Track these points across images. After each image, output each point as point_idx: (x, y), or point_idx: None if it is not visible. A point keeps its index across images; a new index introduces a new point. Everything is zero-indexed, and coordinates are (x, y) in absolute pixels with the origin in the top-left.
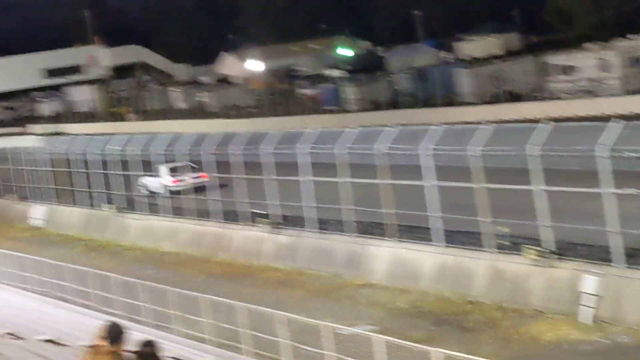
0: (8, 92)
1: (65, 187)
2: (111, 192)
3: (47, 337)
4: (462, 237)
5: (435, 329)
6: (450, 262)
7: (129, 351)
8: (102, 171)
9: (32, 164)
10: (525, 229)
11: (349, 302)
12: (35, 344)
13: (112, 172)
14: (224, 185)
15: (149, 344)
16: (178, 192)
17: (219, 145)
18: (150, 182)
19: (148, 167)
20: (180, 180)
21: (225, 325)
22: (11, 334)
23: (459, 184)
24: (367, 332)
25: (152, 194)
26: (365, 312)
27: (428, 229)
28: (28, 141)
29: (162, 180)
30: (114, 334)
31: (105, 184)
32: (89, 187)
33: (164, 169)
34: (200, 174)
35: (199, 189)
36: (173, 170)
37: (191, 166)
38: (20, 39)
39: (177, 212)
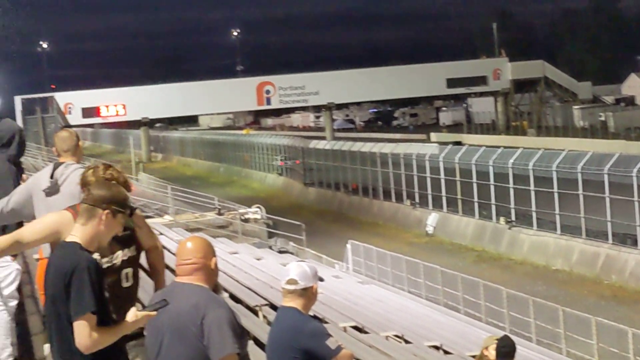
0: (412, 99)
1: (459, 197)
2: (504, 205)
3: (434, 344)
4: None
5: None
6: None
7: None
8: (496, 183)
9: (433, 171)
10: None
11: None
12: (422, 349)
13: (506, 184)
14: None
15: None
16: (281, 168)
17: (613, 166)
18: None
19: (541, 182)
20: (284, 163)
21: (614, 350)
22: (399, 337)
23: None
24: None
25: (280, 167)
26: None
27: None
28: (429, 148)
29: (277, 162)
30: (505, 347)
31: (498, 196)
32: (484, 199)
33: (279, 157)
34: (297, 160)
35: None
36: (283, 158)
37: (289, 157)
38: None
39: (571, 230)
